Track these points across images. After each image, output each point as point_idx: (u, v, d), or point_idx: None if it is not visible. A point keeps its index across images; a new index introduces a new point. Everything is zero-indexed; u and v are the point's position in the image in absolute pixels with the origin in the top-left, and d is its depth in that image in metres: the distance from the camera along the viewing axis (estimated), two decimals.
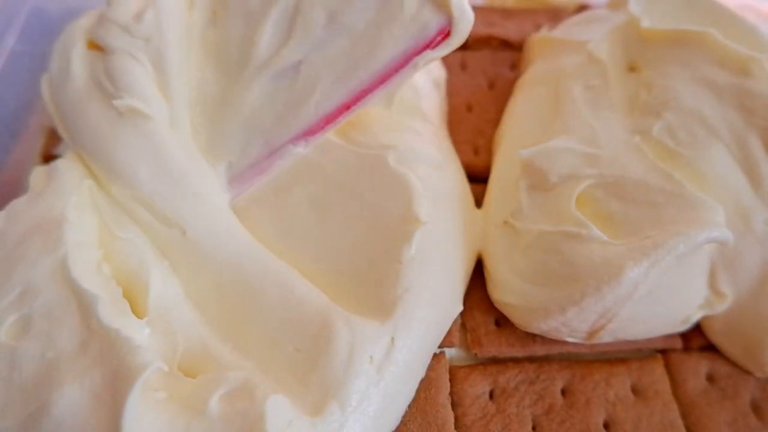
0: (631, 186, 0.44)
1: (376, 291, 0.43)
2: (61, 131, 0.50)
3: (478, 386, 0.47)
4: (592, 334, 0.45)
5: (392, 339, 0.42)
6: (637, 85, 0.51)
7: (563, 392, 0.48)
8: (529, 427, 0.46)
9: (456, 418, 0.45)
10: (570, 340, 0.47)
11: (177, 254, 0.46)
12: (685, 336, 0.50)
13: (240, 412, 0.37)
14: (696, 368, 0.49)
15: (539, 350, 0.49)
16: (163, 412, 0.36)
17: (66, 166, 0.48)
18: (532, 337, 0.49)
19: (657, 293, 0.44)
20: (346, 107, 0.47)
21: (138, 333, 0.40)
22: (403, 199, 0.45)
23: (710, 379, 0.49)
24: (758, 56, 0.46)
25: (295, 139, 0.48)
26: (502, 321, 0.49)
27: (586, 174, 0.45)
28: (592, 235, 0.43)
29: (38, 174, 0.50)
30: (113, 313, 0.40)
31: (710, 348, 0.50)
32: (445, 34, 0.45)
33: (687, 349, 0.50)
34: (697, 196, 0.43)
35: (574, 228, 0.43)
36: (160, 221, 0.46)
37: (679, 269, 0.43)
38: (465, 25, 0.45)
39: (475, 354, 0.48)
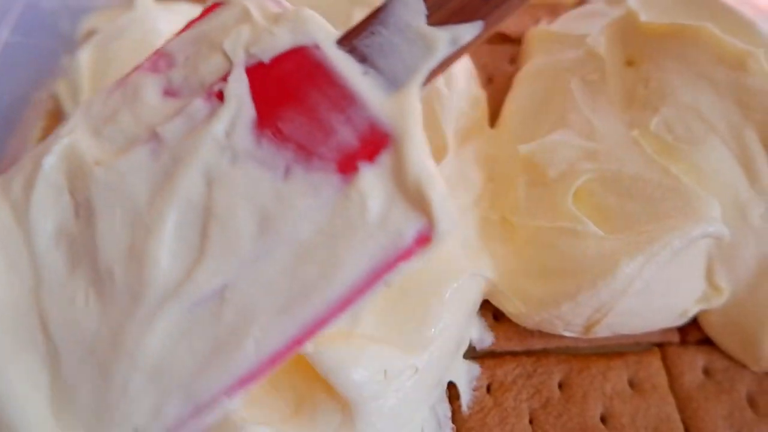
0: (627, 180, 0.44)
1: (406, 322, 0.42)
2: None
3: (475, 380, 0.47)
4: (588, 328, 0.45)
5: (416, 369, 0.41)
6: (635, 79, 0.51)
7: (560, 386, 0.48)
8: (527, 421, 0.46)
9: (453, 411, 0.46)
10: (567, 334, 0.47)
11: None
12: (683, 330, 0.50)
13: None
14: (693, 362, 0.50)
15: (537, 344, 0.49)
16: None
17: None
18: (530, 332, 0.49)
19: (654, 287, 0.44)
20: (298, 342, 0.34)
21: None
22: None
23: (707, 372, 0.49)
24: (755, 51, 0.46)
25: (231, 390, 0.33)
26: (499, 316, 0.50)
27: (584, 168, 0.45)
28: (587, 231, 0.43)
29: None
30: None
31: (707, 342, 0.50)
32: (423, 239, 0.33)
33: (684, 342, 0.50)
34: (693, 191, 0.43)
35: (569, 224, 0.44)
36: None
37: (676, 264, 0.43)
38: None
39: (474, 348, 0.49)
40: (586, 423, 0.46)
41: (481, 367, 0.48)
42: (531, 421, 0.46)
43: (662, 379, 0.48)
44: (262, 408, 0.39)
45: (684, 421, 0.47)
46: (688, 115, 0.46)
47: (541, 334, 0.49)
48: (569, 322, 0.45)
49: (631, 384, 0.48)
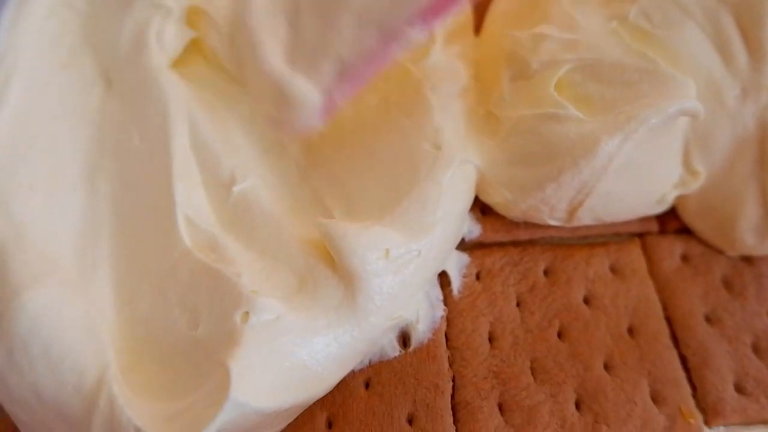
0: (607, 68, 0.46)
1: (408, 211, 0.45)
2: None
3: (465, 268, 0.50)
4: (571, 213, 0.48)
5: (419, 252, 0.44)
6: None
7: (546, 272, 0.50)
8: (514, 303, 0.49)
9: (445, 296, 0.48)
10: (551, 222, 0.49)
11: None
12: (661, 219, 0.53)
13: None
14: (671, 249, 0.52)
15: (523, 235, 0.51)
16: None
17: None
18: (516, 224, 0.51)
19: (633, 171, 0.46)
20: None
21: None
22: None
23: (684, 258, 0.52)
24: None
25: (411, 20, 0.42)
26: (486, 210, 0.52)
27: (565, 59, 0.47)
28: (568, 115, 0.45)
29: None
30: None
31: (686, 231, 0.52)
32: None
33: (663, 232, 0.53)
34: (669, 72, 0.44)
35: (551, 109, 0.45)
36: None
37: (654, 146, 0.45)
38: None
39: (462, 239, 0.51)
40: (570, 304, 0.49)
41: (470, 257, 0.50)
42: (518, 304, 0.49)
43: (642, 265, 0.51)
44: (269, 284, 0.42)
45: (662, 301, 0.50)
46: (665, 3, 0.47)
47: (527, 226, 0.51)
48: (553, 206, 0.47)
49: (613, 269, 0.51)
